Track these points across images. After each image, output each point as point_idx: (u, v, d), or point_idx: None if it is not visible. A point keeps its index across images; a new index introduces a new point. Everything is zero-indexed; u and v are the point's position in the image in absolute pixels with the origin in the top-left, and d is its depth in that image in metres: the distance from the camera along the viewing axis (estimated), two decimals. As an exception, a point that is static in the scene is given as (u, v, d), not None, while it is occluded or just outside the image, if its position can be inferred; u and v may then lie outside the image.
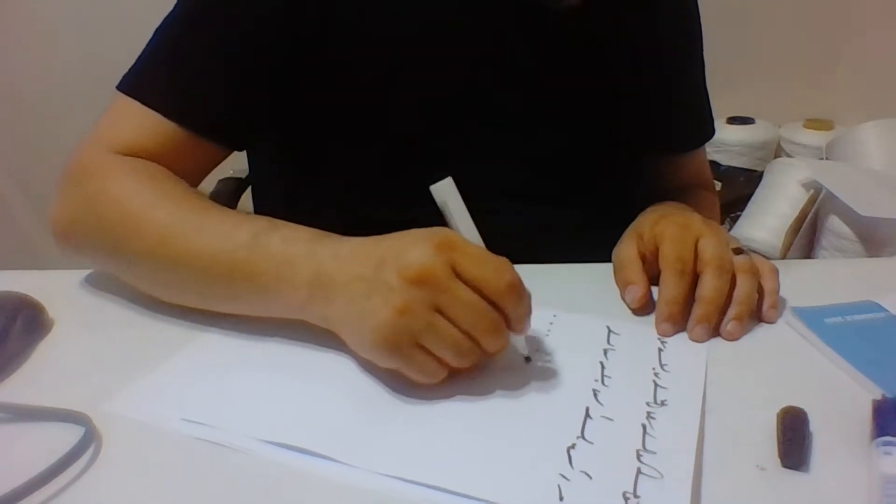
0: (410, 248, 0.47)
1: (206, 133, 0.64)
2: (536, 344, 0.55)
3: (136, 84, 0.64)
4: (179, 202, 0.58)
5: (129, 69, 0.65)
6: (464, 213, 0.50)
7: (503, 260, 0.48)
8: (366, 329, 0.47)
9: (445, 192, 0.50)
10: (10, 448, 0.45)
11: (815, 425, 0.46)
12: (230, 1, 0.65)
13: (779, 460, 0.44)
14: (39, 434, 0.46)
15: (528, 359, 0.52)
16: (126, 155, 0.62)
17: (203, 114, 0.64)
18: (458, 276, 0.47)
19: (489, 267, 0.47)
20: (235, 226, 0.55)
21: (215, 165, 0.69)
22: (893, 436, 0.43)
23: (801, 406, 0.47)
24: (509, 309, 0.48)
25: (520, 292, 0.48)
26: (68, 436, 0.44)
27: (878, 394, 0.48)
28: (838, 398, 0.50)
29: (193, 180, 0.66)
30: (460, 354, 0.47)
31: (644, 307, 0.60)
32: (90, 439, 0.44)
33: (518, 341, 0.52)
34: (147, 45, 0.66)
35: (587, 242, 0.67)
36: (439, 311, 0.46)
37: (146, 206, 0.58)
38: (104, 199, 0.59)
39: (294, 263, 0.52)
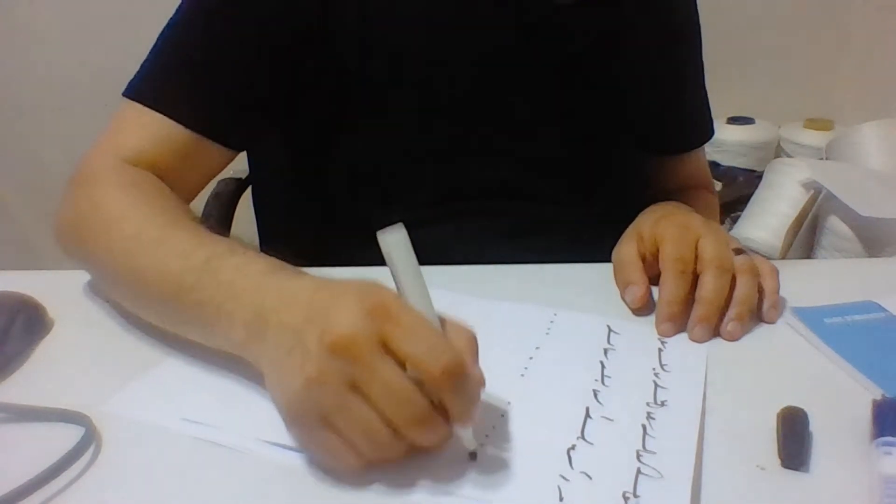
0: (339, 308, 0.40)
1: (213, 135, 0.64)
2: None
3: (142, 90, 0.64)
4: (155, 216, 0.56)
5: (135, 75, 0.66)
6: (412, 268, 0.41)
7: (443, 337, 0.41)
8: (279, 391, 0.42)
9: (392, 242, 0.41)
10: (10, 448, 0.45)
11: (815, 425, 0.46)
12: (232, 4, 0.65)
13: (779, 460, 0.44)
14: (39, 434, 0.46)
15: (472, 455, 0.43)
16: (134, 161, 0.62)
17: (209, 116, 0.64)
18: (388, 350, 0.39)
19: (424, 344, 0.39)
20: (196, 246, 0.52)
21: (221, 169, 0.69)
22: (893, 436, 0.43)
23: (801, 406, 0.47)
24: (445, 398, 0.40)
25: (458, 379, 0.39)
26: (68, 436, 0.44)
27: (878, 394, 0.48)
28: (838, 398, 0.50)
29: (198, 184, 0.67)
30: (375, 444, 0.40)
31: (644, 307, 0.60)
32: (90, 439, 0.44)
33: (463, 433, 0.42)
34: (151, 51, 0.66)
35: (587, 242, 0.67)
36: (357, 390, 0.39)
37: (120, 216, 0.56)
38: (89, 206, 0.59)
39: (238, 297, 0.47)
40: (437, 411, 0.40)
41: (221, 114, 0.65)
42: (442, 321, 0.43)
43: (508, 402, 0.49)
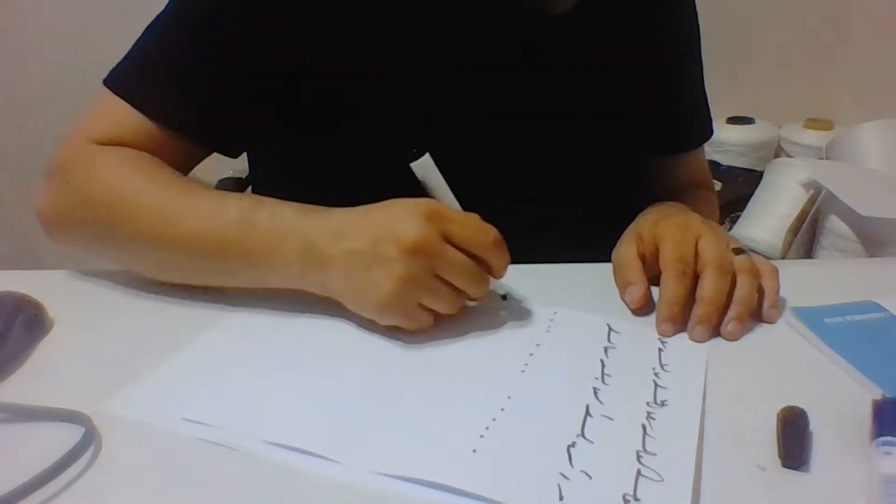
0: (402, 221, 0.52)
1: (184, 133, 0.65)
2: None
3: (120, 80, 0.65)
4: (166, 185, 0.61)
5: (116, 65, 0.66)
6: (442, 183, 0.57)
7: (482, 221, 0.55)
8: (371, 298, 0.53)
9: (425, 167, 0.57)
10: (10, 448, 0.45)
11: (815, 425, 0.46)
12: (218, 3, 0.65)
13: (779, 460, 0.44)
14: (39, 434, 0.46)
15: (504, 297, 0.60)
16: (108, 145, 0.63)
17: (181, 113, 0.64)
18: (448, 240, 0.52)
19: (475, 229, 0.53)
20: (222, 205, 0.58)
21: (196, 163, 0.69)
22: (893, 436, 0.43)
23: (801, 406, 0.47)
24: (493, 261, 0.55)
25: (503, 245, 0.54)
26: (68, 436, 0.44)
27: (878, 394, 0.48)
28: (838, 398, 0.50)
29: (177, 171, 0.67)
30: (453, 307, 0.55)
31: (644, 307, 0.60)
32: (90, 439, 0.44)
33: (496, 285, 0.59)
34: (135, 43, 0.66)
35: (586, 242, 0.67)
36: (437, 275, 0.52)
37: (135, 190, 0.60)
38: (93, 186, 0.61)
39: (283, 239, 0.55)
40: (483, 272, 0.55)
41: (196, 114, 0.65)
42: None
43: (509, 397, 0.49)
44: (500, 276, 0.57)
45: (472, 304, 0.57)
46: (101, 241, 0.61)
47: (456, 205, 0.57)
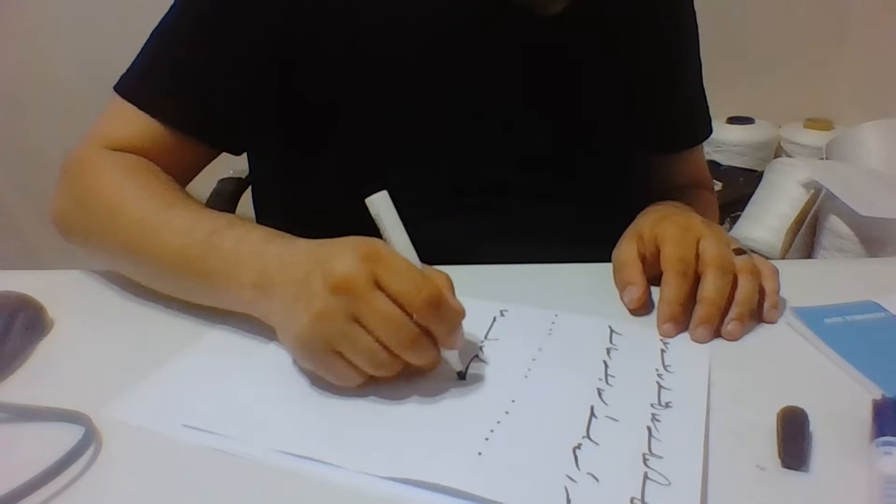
0: (337, 255, 0.48)
1: (195, 134, 0.66)
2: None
3: (129, 85, 0.67)
4: (153, 197, 0.61)
5: (126, 71, 0.68)
6: (397, 225, 0.50)
7: (427, 274, 0.48)
8: (290, 331, 0.49)
9: (379, 205, 0.50)
10: (10, 448, 0.45)
11: (815, 425, 0.46)
12: (221, 5, 0.66)
13: (779, 460, 0.44)
14: (39, 434, 0.46)
15: (460, 375, 0.51)
16: (121, 150, 0.65)
17: (189, 114, 0.66)
18: (380, 287, 0.47)
19: (408, 280, 0.47)
20: (196, 222, 0.58)
21: (204, 166, 0.70)
22: (893, 436, 0.43)
23: (801, 406, 0.47)
24: (429, 324, 0.47)
25: (439, 307, 0.47)
26: (68, 436, 0.44)
27: (878, 394, 0.48)
28: (838, 398, 0.50)
29: (182, 179, 0.68)
30: (376, 364, 0.47)
31: (642, 307, 0.60)
32: (90, 439, 0.44)
33: (450, 356, 0.51)
34: (143, 47, 0.68)
35: (586, 242, 0.67)
36: (357, 321, 0.46)
37: (124, 200, 0.61)
38: (92, 193, 0.62)
39: (241, 263, 0.54)
40: (425, 337, 0.48)
41: (204, 114, 0.66)
42: (424, 267, 0.50)
43: (513, 400, 0.49)
44: (450, 346, 0.50)
45: (426, 375, 0.51)
46: (95, 245, 0.63)
47: (409, 251, 0.50)
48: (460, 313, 0.49)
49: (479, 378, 0.51)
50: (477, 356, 0.54)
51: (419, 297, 0.46)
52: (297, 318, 0.48)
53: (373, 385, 0.49)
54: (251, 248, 0.54)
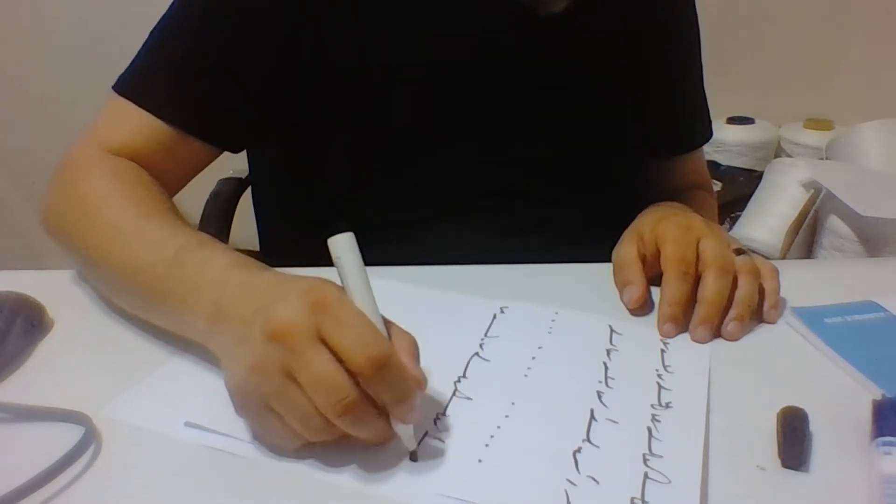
0: (284, 299, 0.42)
1: (196, 132, 0.65)
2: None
3: (128, 84, 0.66)
4: (133, 205, 0.58)
5: (125, 70, 0.67)
6: (359, 271, 0.43)
7: (380, 333, 0.42)
8: (230, 379, 0.44)
9: (342, 247, 0.43)
10: (10, 448, 0.45)
11: (815, 425, 0.46)
12: (221, 2, 0.65)
13: (779, 460, 0.44)
14: (39, 434, 0.46)
15: (412, 455, 0.43)
16: (118, 152, 0.64)
17: (192, 114, 0.65)
18: (323, 341, 0.40)
19: (354, 336, 0.40)
20: (168, 237, 0.54)
21: (204, 166, 0.70)
22: (893, 436, 0.43)
23: (801, 406, 0.47)
24: (373, 389, 0.40)
25: (383, 370, 0.40)
26: (68, 436, 0.44)
27: (878, 394, 0.48)
28: (838, 398, 0.50)
29: (182, 179, 0.68)
30: (310, 429, 0.41)
31: (642, 308, 0.60)
32: (90, 439, 0.44)
33: (402, 431, 0.42)
34: (142, 46, 0.67)
35: (587, 243, 0.67)
36: (292, 377, 0.40)
37: (102, 204, 0.59)
38: (75, 194, 0.61)
39: (200, 290, 0.48)
40: (373, 406, 0.41)
41: (204, 112, 0.66)
42: (387, 324, 0.44)
43: (513, 403, 0.49)
44: (399, 419, 0.42)
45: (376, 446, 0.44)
46: (70, 246, 0.61)
47: (369, 302, 0.43)
48: (415, 382, 0.42)
49: (479, 378, 0.51)
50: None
51: (362, 355, 0.39)
52: (236, 365, 0.43)
53: (317, 448, 0.43)
54: (214, 274, 0.49)
